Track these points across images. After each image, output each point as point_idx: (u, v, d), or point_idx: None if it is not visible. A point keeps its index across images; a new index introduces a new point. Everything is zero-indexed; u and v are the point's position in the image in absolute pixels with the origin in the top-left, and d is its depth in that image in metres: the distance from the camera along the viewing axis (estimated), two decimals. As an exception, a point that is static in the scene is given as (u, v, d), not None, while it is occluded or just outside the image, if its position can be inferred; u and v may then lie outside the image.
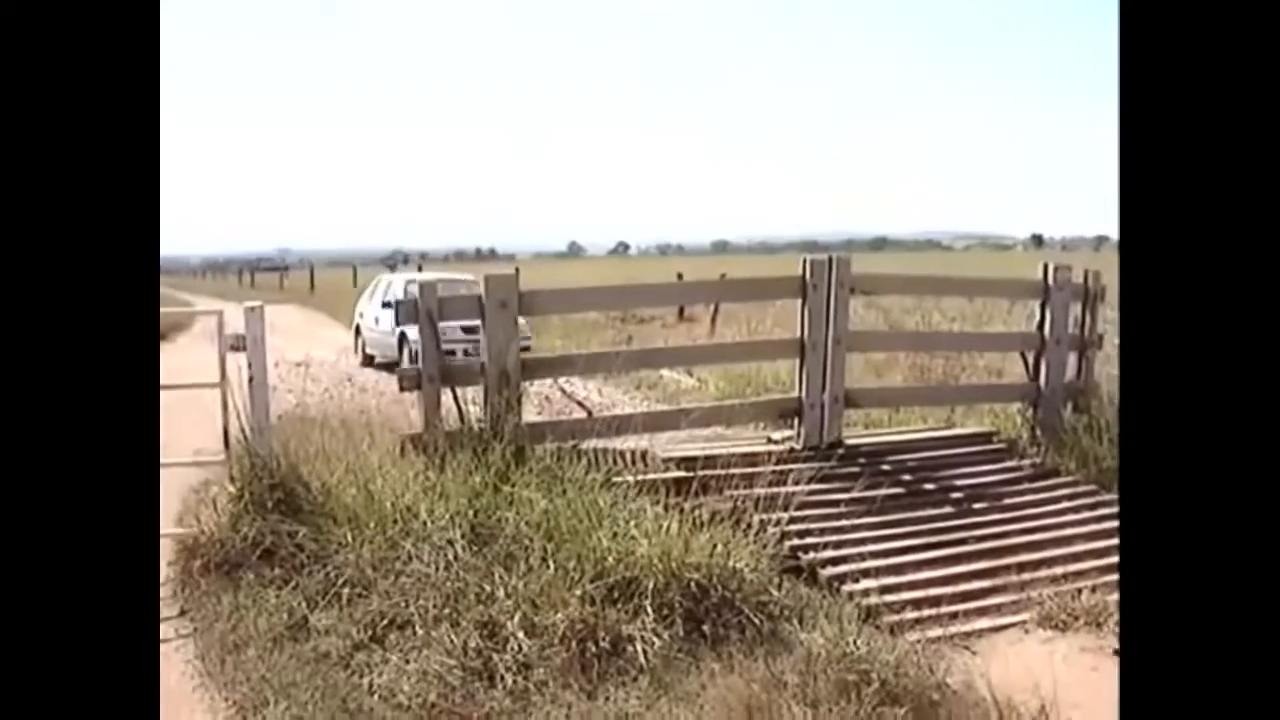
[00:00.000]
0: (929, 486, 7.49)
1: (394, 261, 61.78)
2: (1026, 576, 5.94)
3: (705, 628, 4.89)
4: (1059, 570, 6.05)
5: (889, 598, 5.60)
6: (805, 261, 7.77)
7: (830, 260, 7.78)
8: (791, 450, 7.63)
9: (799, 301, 7.84)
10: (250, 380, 6.18)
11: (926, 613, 5.49)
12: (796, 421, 7.91)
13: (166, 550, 5.81)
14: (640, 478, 6.34)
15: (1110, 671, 4.92)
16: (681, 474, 6.61)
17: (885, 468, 7.70)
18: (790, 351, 8.12)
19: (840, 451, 7.79)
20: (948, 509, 7.11)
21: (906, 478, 7.62)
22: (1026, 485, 7.65)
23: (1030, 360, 8.83)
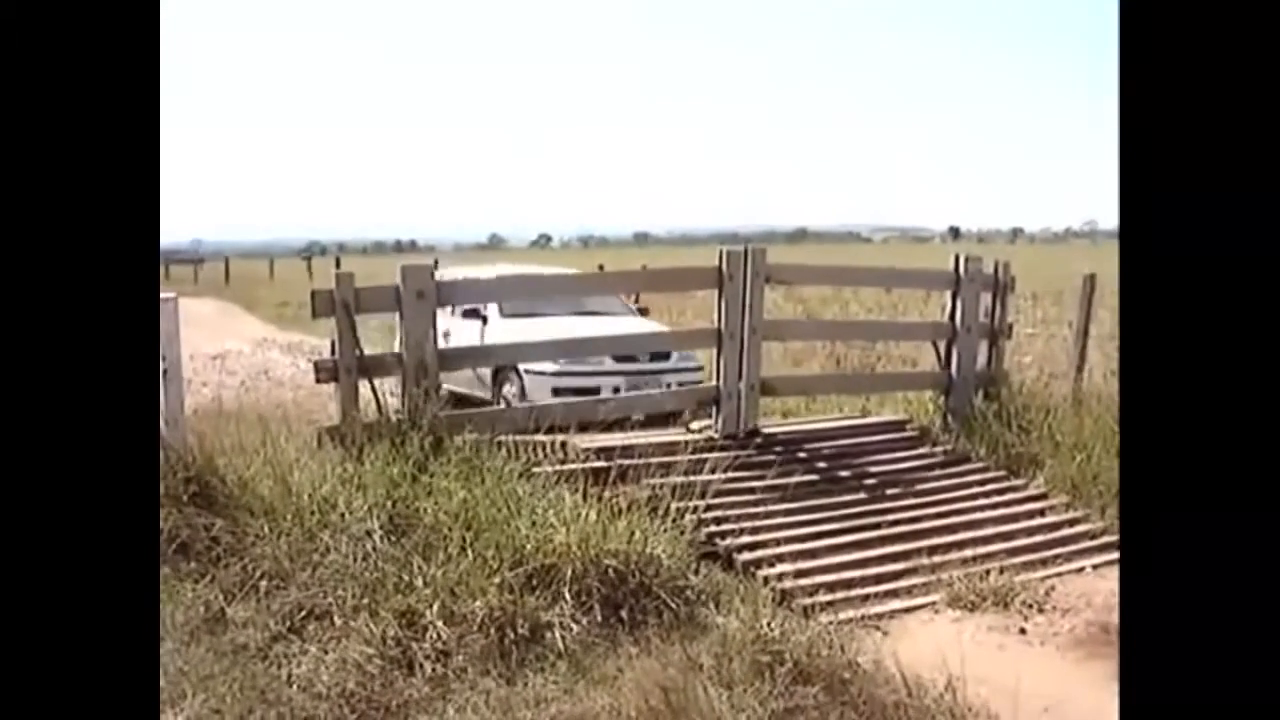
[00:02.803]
0: (844, 473, 7.60)
1: (310, 254, 61.05)
2: (937, 559, 6.10)
3: (623, 613, 4.96)
4: (969, 553, 6.23)
5: (803, 581, 5.72)
6: (722, 253, 7.85)
7: (746, 251, 7.88)
8: (710, 439, 7.70)
9: (716, 292, 7.93)
10: (164, 373, 6.11)
11: (839, 595, 5.61)
12: (714, 410, 8.00)
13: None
14: (559, 468, 6.38)
15: (1016, 648, 5.11)
16: (600, 464, 6.66)
17: (801, 455, 7.79)
18: (708, 341, 8.20)
19: (757, 440, 7.87)
20: (861, 495, 7.24)
21: (822, 465, 7.73)
22: (938, 471, 7.80)
23: (942, 349, 9.01)
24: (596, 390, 9.87)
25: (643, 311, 12.33)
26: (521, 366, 10.19)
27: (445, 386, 10.05)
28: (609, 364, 10.39)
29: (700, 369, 10.74)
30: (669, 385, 10.23)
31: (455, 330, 10.38)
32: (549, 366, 10.15)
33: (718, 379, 7.97)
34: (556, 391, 9.95)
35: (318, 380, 6.94)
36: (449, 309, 11.00)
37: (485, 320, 10.93)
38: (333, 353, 6.79)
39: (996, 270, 9.14)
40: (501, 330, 10.57)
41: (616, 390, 10.04)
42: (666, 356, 10.62)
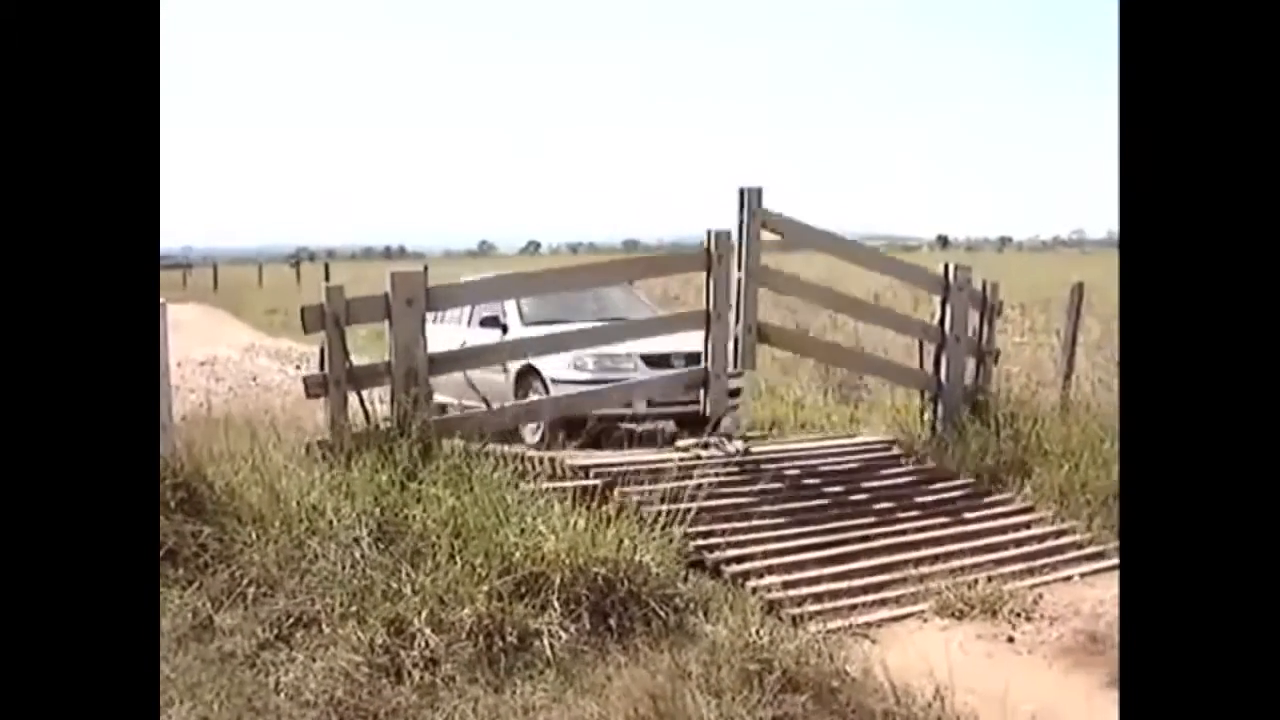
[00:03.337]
0: (831, 490, 7.62)
1: (299, 260, 60.87)
2: (925, 570, 6.10)
3: (611, 621, 4.96)
4: (956, 564, 6.25)
5: (792, 592, 5.72)
6: (710, 233, 7.76)
7: (742, 192, 7.81)
8: (698, 457, 7.53)
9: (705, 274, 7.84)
10: (151, 379, 6.08)
11: (828, 605, 5.60)
12: (703, 392, 7.93)
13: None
14: (549, 485, 6.36)
15: (1004, 656, 5.11)
16: (590, 481, 6.62)
17: (790, 473, 7.83)
18: (698, 323, 8.09)
19: (747, 460, 7.88)
20: (849, 510, 7.25)
21: (810, 482, 7.75)
22: (926, 485, 7.84)
23: (931, 354, 8.98)
24: (628, 400, 9.48)
25: None
26: (547, 375, 9.76)
27: (446, 399, 9.92)
28: (642, 371, 9.95)
29: (740, 375, 10.40)
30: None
31: (473, 340, 9.93)
32: (576, 374, 9.76)
33: (706, 360, 7.93)
34: None
35: (308, 396, 6.90)
36: (466, 319, 10.80)
37: (505, 329, 10.48)
38: (321, 366, 6.77)
39: (985, 290, 9.14)
40: (523, 338, 10.03)
41: (650, 399, 9.64)
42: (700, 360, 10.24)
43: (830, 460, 8.29)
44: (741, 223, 7.79)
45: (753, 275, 7.87)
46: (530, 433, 9.73)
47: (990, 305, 9.16)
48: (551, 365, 9.57)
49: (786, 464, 8.01)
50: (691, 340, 10.23)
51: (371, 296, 6.93)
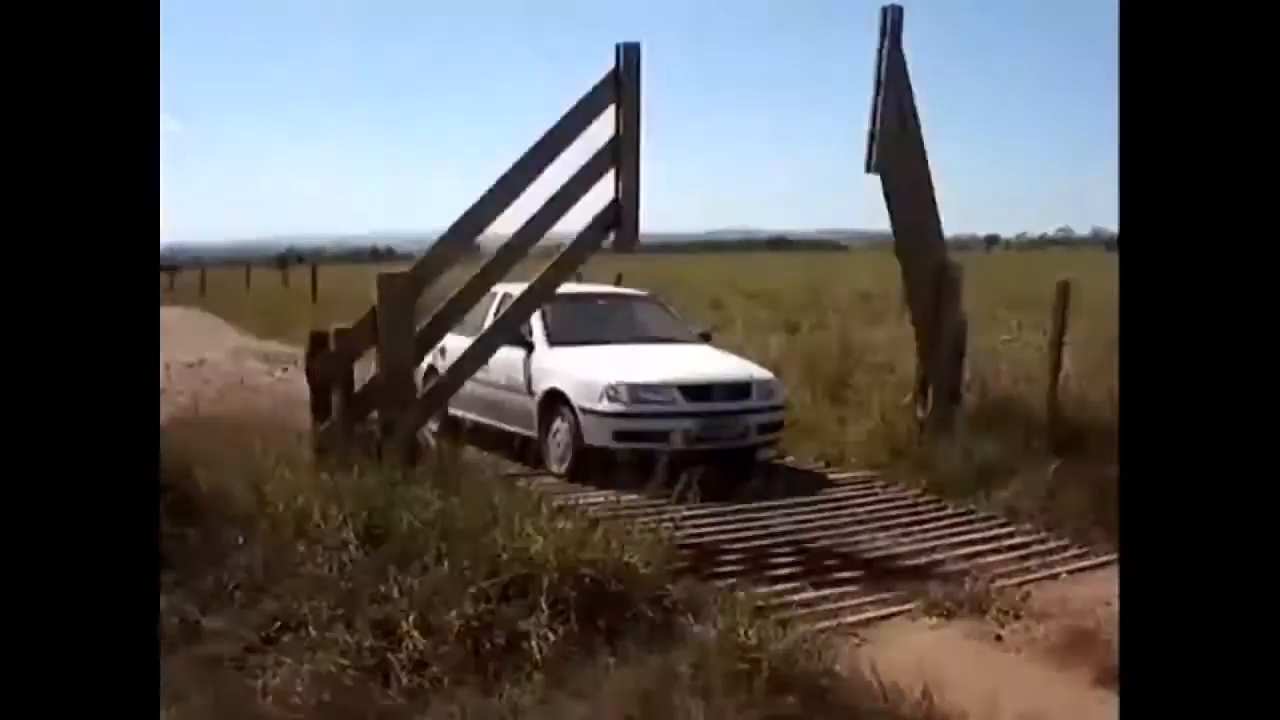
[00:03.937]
0: (822, 509, 7.83)
1: (286, 261, 60.81)
2: (913, 577, 6.13)
3: (600, 622, 4.93)
4: (945, 570, 6.32)
5: (785, 599, 5.75)
6: (618, 48, 7.84)
7: (884, 11, 8.31)
8: (684, 498, 6.94)
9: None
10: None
11: (818, 609, 5.62)
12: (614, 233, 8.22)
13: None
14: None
15: (992, 655, 5.12)
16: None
17: (781, 503, 7.92)
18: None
19: (729, 510, 7.85)
20: (840, 524, 7.43)
21: (801, 505, 7.95)
22: (908, 509, 7.97)
23: (924, 335, 9.16)
24: (665, 435, 8.90)
25: (705, 337, 11.16)
26: (576, 404, 9.10)
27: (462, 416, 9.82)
28: (680, 403, 9.14)
29: (783, 408, 10.00)
30: (748, 427, 9.35)
31: (496, 361, 9.22)
32: (608, 405, 9.02)
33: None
34: (619, 435, 8.95)
35: (319, 450, 6.87)
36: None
37: (531, 347, 9.76)
38: (319, 416, 6.81)
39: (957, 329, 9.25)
40: (550, 360, 9.53)
41: (688, 434, 8.98)
42: (745, 394, 9.46)
43: (817, 489, 8.52)
44: (881, 48, 8.28)
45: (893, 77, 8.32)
46: (556, 462, 9.37)
47: (962, 339, 9.29)
48: (581, 394, 9.08)
49: (769, 512, 7.85)
50: (736, 369, 9.94)
51: (365, 318, 7.01)
